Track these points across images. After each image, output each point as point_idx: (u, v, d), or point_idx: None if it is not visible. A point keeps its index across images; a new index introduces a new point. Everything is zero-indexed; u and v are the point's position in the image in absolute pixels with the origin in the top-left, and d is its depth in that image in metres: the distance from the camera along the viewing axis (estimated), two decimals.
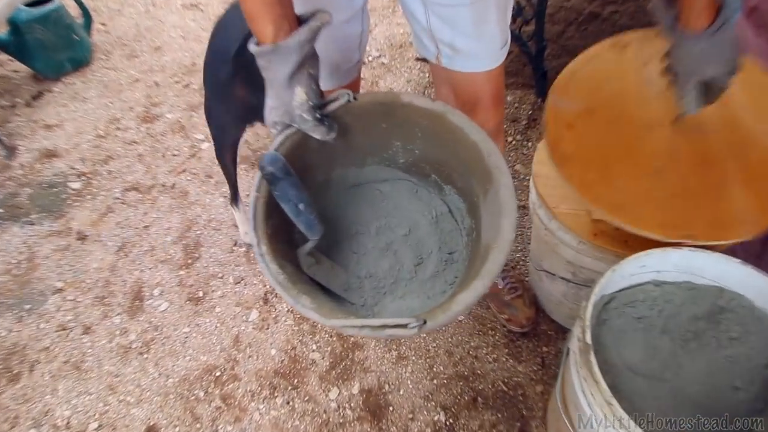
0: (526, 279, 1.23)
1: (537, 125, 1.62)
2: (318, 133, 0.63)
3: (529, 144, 1.57)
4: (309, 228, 0.63)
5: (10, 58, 1.98)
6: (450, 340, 1.16)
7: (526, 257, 1.30)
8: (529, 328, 1.14)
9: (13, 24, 1.83)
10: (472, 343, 1.15)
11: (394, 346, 1.16)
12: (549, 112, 0.84)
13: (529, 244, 1.30)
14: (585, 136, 0.82)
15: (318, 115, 0.63)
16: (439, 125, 0.68)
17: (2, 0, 1.68)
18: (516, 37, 1.65)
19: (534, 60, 1.62)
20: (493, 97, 0.91)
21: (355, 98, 0.67)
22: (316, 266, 0.66)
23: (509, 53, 0.88)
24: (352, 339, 1.18)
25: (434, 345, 1.16)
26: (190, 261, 1.37)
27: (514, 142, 1.58)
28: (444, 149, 0.71)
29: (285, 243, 0.65)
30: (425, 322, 0.52)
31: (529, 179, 1.46)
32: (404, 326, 0.52)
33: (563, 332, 1.15)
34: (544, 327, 1.16)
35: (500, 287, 1.18)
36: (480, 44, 0.81)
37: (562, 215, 0.93)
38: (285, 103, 0.62)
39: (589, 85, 0.87)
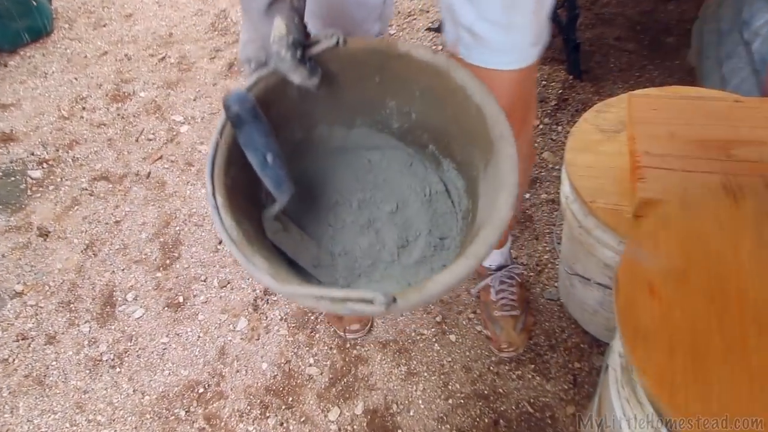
0: (532, 299, 1.23)
1: (568, 106, 1.62)
2: (298, 76, 0.61)
3: (559, 128, 1.57)
4: (277, 185, 0.61)
5: None
6: (467, 354, 1.17)
7: (555, 259, 1.30)
8: (510, 355, 1.14)
9: None
10: (492, 358, 1.16)
11: (403, 361, 1.16)
12: (624, 265, 0.72)
13: (559, 244, 1.30)
14: (673, 310, 0.68)
15: (299, 54, 0.60)
16: (440, 84, 0.66)
17: None
18: None
19: (565, 30, 1.61)
20: (517, 106, 0.84)
21: (345, 42, 0.65)
22: (283, 233, 0.65)
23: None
24: (354, 353, 1.18)
25: (449, 360, 1.16)
26: (168, 261, 1.37)
27: (541, 126, 1.57)
28: (444, 114, 0.69)
29: (248, 201, 0.64)
30: (395, 300, 0.50)
31: (558, 168, 1.46)
32: (369, 301, 0.50)
33: (598, 346, 1.15)
34: (575, 340, 1.17)
35: (492, 298, 1.18)
36: (506, 35, 0.76)
37: (600, 211, 0.92)
38: (262, 36, 0.60)
39: (687, 239, 0.73)
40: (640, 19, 1.88)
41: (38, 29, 2.05)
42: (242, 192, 0.63)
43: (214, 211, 0.57)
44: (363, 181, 0.75)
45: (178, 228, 1.44)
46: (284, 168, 0.62)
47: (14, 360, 1.23)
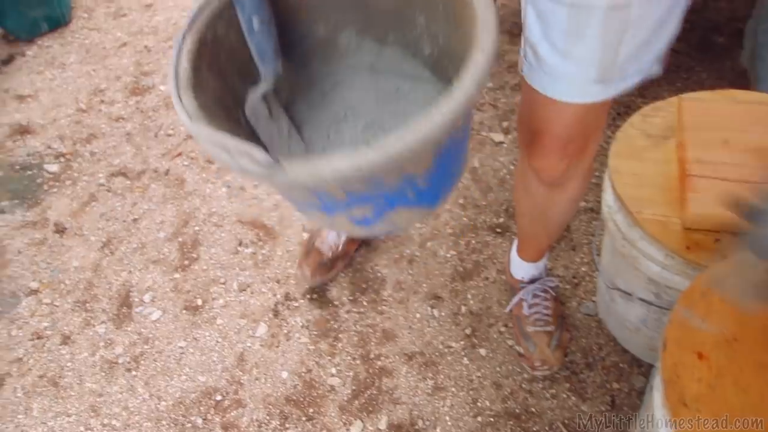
0: (568, 314, 1.22)
1: (611, 110, 1.60)
2: None
3: None
4: (260, 55, 0.60)
5: None
6: (498, 370, 1.17)
7: (593, 272, 1.29)
8: (544, 373, 1.14)
9: None
10: (525, 375, 1.15)
11: (430, 374, 1.17)
12: (672, 326, 0.72)
13: (598, 255, 1.29)
14: (722, 378, 0.66)
15: None
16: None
17: None
18: None
19: None
20: (573, 137, 0.81)
21: None
22: (268, 120, 0.64)
23: None
24: (379, 364, 1.19)
25: (479, 375, 1.16)
26: (186, 262, 1.40)
27: None
28: (458, 34, 0.63)
29: (234, 66, 0.62)
30: (278, 162, 0.46)
31: (598, 175, 1.45)
32: (253, 158, 0.46)
33: (639, 366, 1.14)
34: (614, 358, 1.16)
35: (525, 312, 1.17)
36: (565, 63, 0.72)
37: (646, 222, 0.92)
38: None
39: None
40: (687, 17, 1.85)
41: (56, 18, 2.10)
42: (227, 53, 0.61)
43: (175, 44, 0.56)
44: (383, 107, 0.73)
45: (197, 228, 1.46)
46: (272, 40, 0.60)
47: (29, 359, 1.26)
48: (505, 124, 1.63)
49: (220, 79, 0.61)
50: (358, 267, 1.35)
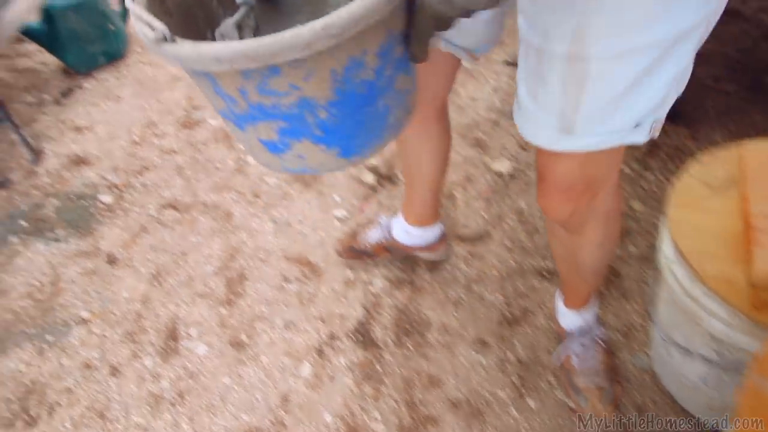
0: (620, 366, 1.18)
1: (659, 152, 1.58)
2: None
3: (649, 175, 1.53)
4: None
5: (40, 48, 2.15)
6: (548, 423, 1.14)
7: (646, 322, 1.25)
8: (597, 430, 1.10)
9: (47, 12, 1.99)
10: (576, 431, 1.12)
11: (477, 424, 1.14)
12: (745, 394, 0.70)
13: (653, 306, 1.25)
14: None
15: None
16: None
17: None
18: None
19: None
20: (566, 187, 0.82)
21: None
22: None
23: None
24: (424, 411, 1.17)
25: (527, 427, 1.13)
26: (232, 297, 1.42)
27: (629, 172, 1.54)
28: None
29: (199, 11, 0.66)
30: (166, 39, 0.52)
31: (651, 221, 1.42)
32: (151, 28, 0.53)
33: (698, 426, 1.09)
34: (671, 417, 1.11)
35: (575, 365, 1.14)
36: (535, 106, 0.73)
37: (709, 278, 0.89)
38: None
39: None
40: (739, 58, 1.83)
41: (113, 53, 2.20)
42: None
43: None
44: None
45: (243, 262, 1.49)
46: None
47: (78, 390, 1.29)
48: None
49: (188, 23, 0.66)
50: (402, 308, 1.35)
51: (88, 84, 2.15)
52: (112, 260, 1.53)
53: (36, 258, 1.56)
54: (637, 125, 0.70)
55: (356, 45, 0.53)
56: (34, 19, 2.03)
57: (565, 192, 0.83)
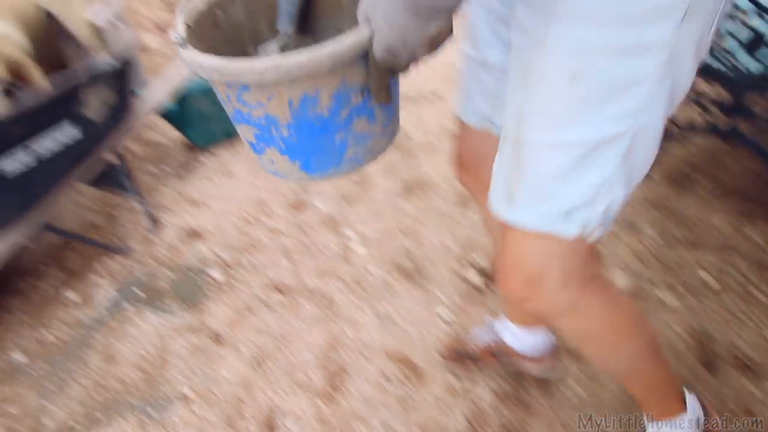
0: None
1: None
2: None
3: None
4: (285, 16, 0.77)
5: (164, 121, 2.34)
6: None
7: None
8: None
9: (182, 95, 2.18)
10: None
11: None
12: None
13: None
14: None
15: None
16: None
17: (179, 73, 2.03)
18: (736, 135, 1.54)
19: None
20: (507, 261, 0.82)
21: None
22: None
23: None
24: None
25: None
26: (331, 390, 1.40)
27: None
28: None
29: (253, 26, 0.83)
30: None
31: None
32: (177, 32, 0.70)
33: None
34: None
35: None
36: (497, 167, 0.81)
37: None
38: None
39: None
40: None
41: (230, 131, 2.37)
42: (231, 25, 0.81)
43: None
44: None
45: (344, 355, 1.48)
46: (296, 5, 0.76)
47: None
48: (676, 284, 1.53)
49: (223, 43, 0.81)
50: (510, 427, 1.27)
51: (204, 158, 2.31)
52: (217, 338, 1.57)
53: (147, 328, 1.63)
54: (567, 214, 0.73)
55: (310, 84, 0.65)
56: (170, 102, 2.23)
57: (513, 270, 0.83)
